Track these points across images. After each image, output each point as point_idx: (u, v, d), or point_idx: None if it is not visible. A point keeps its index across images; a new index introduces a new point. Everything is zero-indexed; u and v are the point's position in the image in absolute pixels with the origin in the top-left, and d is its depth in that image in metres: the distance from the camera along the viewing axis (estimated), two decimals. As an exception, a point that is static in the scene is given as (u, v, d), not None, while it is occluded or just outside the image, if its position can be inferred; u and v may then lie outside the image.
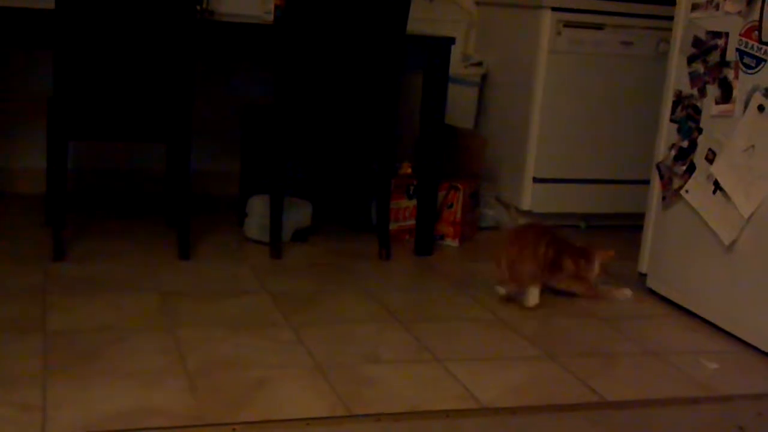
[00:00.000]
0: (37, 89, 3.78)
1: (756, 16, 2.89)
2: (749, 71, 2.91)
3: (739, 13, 2.94)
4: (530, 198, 4.12)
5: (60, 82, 3.11)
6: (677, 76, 3.25)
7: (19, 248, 3.30)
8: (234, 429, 2.13)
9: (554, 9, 3.95)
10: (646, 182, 3.45)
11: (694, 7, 3.15)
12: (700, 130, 3.12)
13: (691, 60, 3.17)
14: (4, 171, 4.01)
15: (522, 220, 4.20)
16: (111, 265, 3.21)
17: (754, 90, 2.88)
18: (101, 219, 3.78)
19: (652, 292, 3.36)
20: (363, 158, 3.92)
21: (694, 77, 3.16)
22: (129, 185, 4.19)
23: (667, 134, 3.29)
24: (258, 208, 3.59)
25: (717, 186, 3.01)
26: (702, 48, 3.11)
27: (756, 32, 2.89)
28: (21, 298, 2.82)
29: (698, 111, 3.13)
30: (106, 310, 2.79)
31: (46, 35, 3.12)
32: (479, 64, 4.39)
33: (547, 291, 3.19)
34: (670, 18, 3.32)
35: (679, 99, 3.22)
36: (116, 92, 3.18)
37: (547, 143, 4.08)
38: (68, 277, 3.05)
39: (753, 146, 2.87)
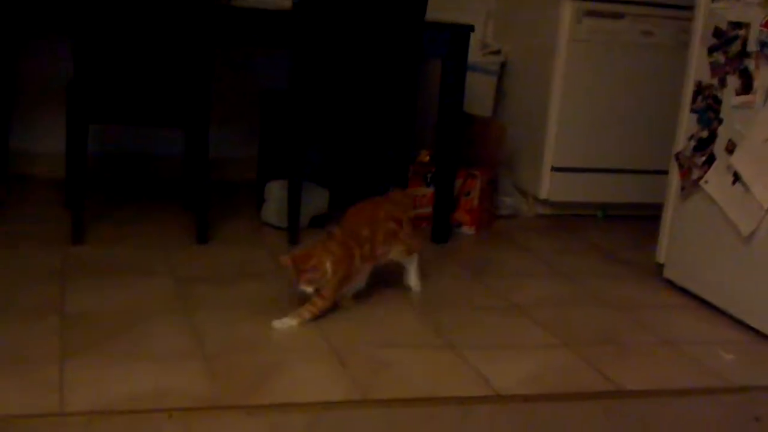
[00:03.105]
0: (58, 73, 3.80)
1: (778, 5, 2.87)
2: (771, 61, 2.89)
3: (761, 3, 2.92)
4: (548, 186, 4.11)
5: (80, 66, 3.13)
6: (698, 66, 3.23)
7: (39, 231, 3.32)
8: (250, 412, 2.14)
9: (574, -2, 3.94)
10: (665, 172, 3.44)
11: (716, -3, 3.13)
12: (720, 121, 3.10)
13: (711, 50, 3.15)
14: (24, 154, 4.03)
15: (540, 209, 4.20)
16: (129, 249, 3.23)
17: (775, 80, 2.87)
18: (120, 203, 3.80)
19: (670, 283, 3.34)
20: (381, 145, 3.92)
21: (714, 67, 3.13)
22: (148, 169, 4.21)
23: (686, 124, 3.28)
24: (276, 193, 3.60)
25: (736, 177, 2.99)
26: (723, 38, 3.09)
27: (778, 22, 2.87)
28: (40, 281, 2.84)
29: (718, 101, 3.11)
30: (124, 293, 2.81)
31: (67, 20, 3.13)
32: (498, 52, 4.37)
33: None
34: (691, 8, 3.30)
35: (700, 89, 3.20)
36: (135, 77, 3.19)
37: (565, 132, 4.06)
38: (87, 260, 3.07)
39: (773, 137, 2.85)
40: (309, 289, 2.65)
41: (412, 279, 3.04)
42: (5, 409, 2.03)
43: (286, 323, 2.65)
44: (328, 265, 2.65)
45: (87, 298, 2.75)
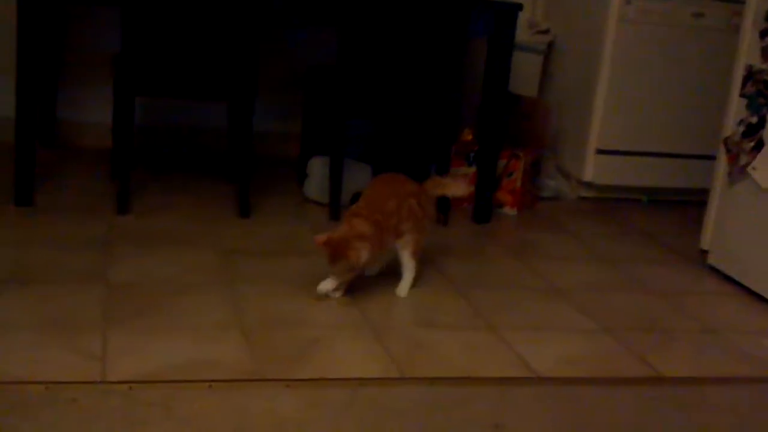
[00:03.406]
0: (105, 44, 3.83)
1: (835, -11, 2.81)
2: (825, 47, 2.83)
3: (818, -14, 2.87)
4: (592, 169, 4.08)
5: (127, 39, 3.15)
6: (749, 50, 3.17)
7: (85, 201, 3.37)
8: (288, 385, 2.15)
9: (625, -22, 3.88)
10: (712, 158, 3.39)
11: (770, -21, 3.07)
12: (770, 106, 3.05)
13: (763, 34, 3.09)
14: (72, 125, 4.08)
15: (583, 192, 4.17)
16: (173, 220, 3.26)
17: (829, 66, 2.81)
18: (165, 175, 3.83)
19: (714, 270, 3.31)
20: (424, 123, 3.91)
21: (766, 52, 3.08)
22: (193, 142, 4.24)
23: (736, 109, 3.23)
24: (318, 169, 3.61)
25: (785, 164, 2.95)
26: (777, 22, 3.04)
27: (834, 7, 2.81)
28: (86, 250, 2.88)
29: (770, 86, 3.06)
30: (168, 264, 2.83)
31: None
32: (546, 31, 4.33)
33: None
34: (744, -10, 3.24)
35: (750, 74, 3.15)
36: (182, 51, 3.21)
37: (612, 114, 4.02)
38: (131, 231, 3.10)
39: (825, 124, 2.80)
40: (347, 276, 2.65)
41: (404, 284, 2.81)
42: (48, 376, 2.07)
43: (327, 285, 2.64)
44: (363, 253, 2.60)
45: (131, 267, 2.78)
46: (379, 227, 2.69)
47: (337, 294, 2.69)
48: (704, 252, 3.38)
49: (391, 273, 2.85)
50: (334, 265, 2.60)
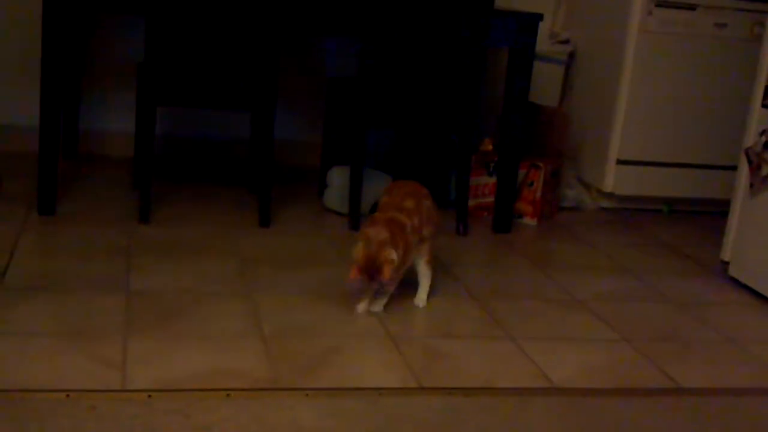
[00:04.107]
0: (129, 55, 3.87)
1: None
2: None
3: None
4: (613, 179, 4.07)
5: (151, 48, 3.17)
6: (771, 60, 3.16)
7: (107, 210, 3.39)
8: (307, 394, 2.16)
9: (646, -12, 3.88)
10: (734, 168, 3.38)
11: (793, -11, 3.06)
12: (792, 117, 3.03)
13: (786, 44, 3.08)
14: (94, 134, 4.11)
15: (604, 202, 4.16)
16: (194, 230, 3.27)
17: None
18: (186, 184, 3.85)
19: (735, 281, 3.29)
20: (444, 132, 3.91)
21: (789, 61, 3.07)
22: (214, 152, 4.26)
23: (757, 119, 3.21)
24: (338, 179, 3.62)
25: (808, 174, 2.93)
26: (799, 32, 3.02)
27: None
28: (107, 258, 2.90)
29: (792, 96, 3.05)
30: (188, 273, 2.85)
31: (139, 1, 3.18)
32: (567, 41, 4.33)
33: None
34: (766, 0, 3.23)
35: (772, 84, 3.14)
36: (205, 60, 3.24)
37: (633, 124, 4.01)
38: (152, 240, 3.12)
39: None
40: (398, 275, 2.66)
41: (422, 294, 2.81)
42: (69, 384, 2.08)
43: (377, 308, 2.69)
44: (393, 253, 2.56)
45: (151, 276, 2.80)
46: (396, 225, 2.65)
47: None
48: (725, 263, 3.36)
49: (409, 283, 2.85)
50: (376, 280, 2.56)
